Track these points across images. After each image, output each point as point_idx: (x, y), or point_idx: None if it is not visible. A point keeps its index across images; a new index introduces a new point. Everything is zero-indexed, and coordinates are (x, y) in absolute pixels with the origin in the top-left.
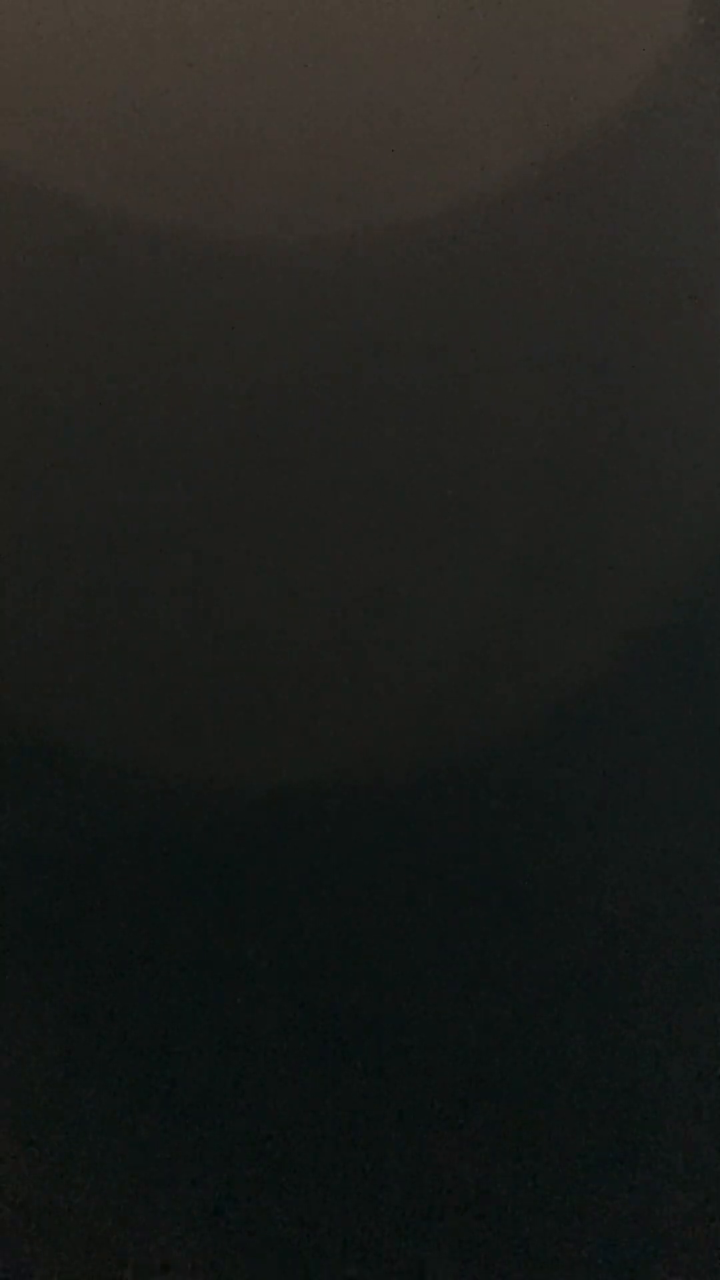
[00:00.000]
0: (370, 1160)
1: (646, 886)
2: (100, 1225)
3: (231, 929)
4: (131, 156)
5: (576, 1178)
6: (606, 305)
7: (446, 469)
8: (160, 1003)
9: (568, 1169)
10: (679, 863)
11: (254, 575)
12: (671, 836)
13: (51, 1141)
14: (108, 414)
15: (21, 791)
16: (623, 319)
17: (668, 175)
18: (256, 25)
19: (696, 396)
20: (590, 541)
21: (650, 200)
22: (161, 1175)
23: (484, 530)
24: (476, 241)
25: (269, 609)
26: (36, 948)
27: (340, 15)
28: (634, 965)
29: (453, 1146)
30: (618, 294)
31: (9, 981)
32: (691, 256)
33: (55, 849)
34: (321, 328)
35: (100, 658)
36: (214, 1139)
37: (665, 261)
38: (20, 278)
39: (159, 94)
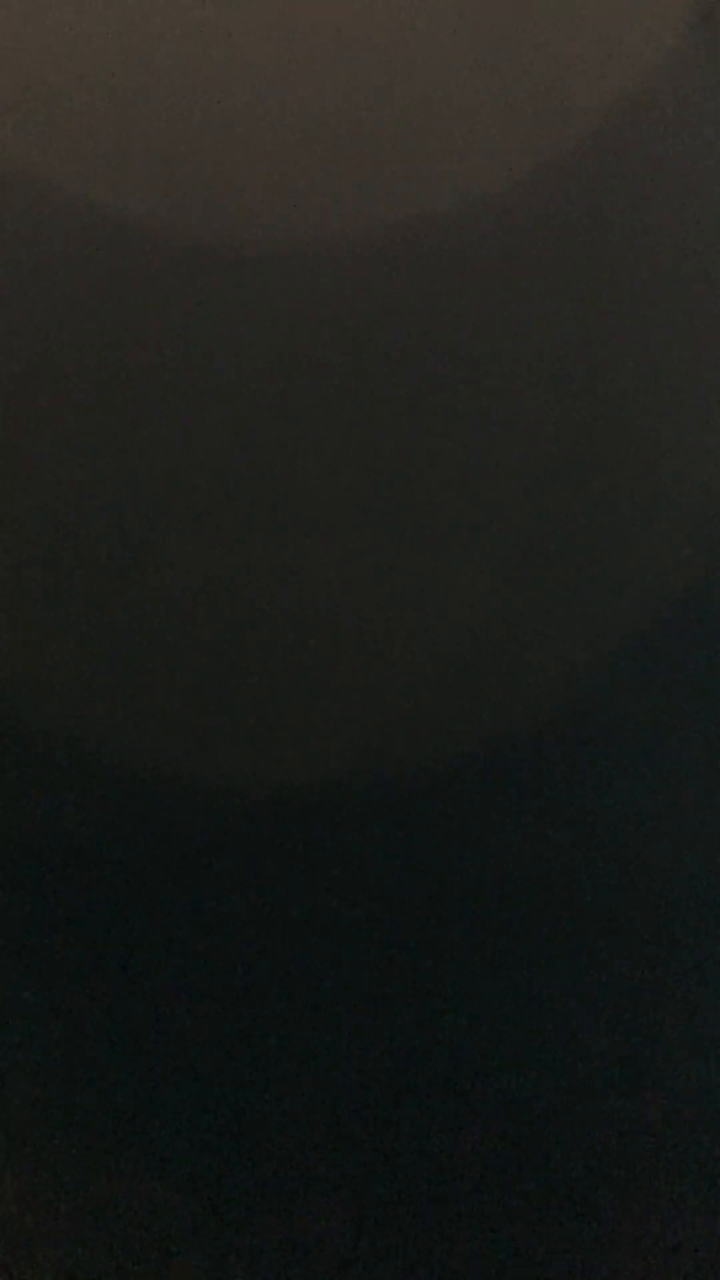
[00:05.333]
0: (371, 1160)
1: (649, 884)
2: (97, 1227)
3: (231, 927)
4: (131, 155)
5: (580, 1178)
6: (608, 305)
7: (447, 468)
8: (159, 1002)
9: (571, 1168)
10: (681, 860)
11: (253, 574)
12: (674, 834)
13: (50, 1141)
14: (107, 414)
15: (20, 791)
16: (624, 318)
17: (670, 175)
18: (255, 24)
19: (699, 396)
20: (591, 540)
21: (652, 200)
22: (159, 1176)
23: (484, 530)
24: (478, 241)
25: (268, 609)
26: (35, 946)
27: (341, 14)
28: (636, 963)
29: (454, 1146)
30: (620, 294)
31: (8, 980)
32: (694, 256)
33: (53, 847)
34: (321, 327)
35: (99, 656)
36: (213, 1138)
37: (668, 261)
38: (19, 277)
39: (159, 93)
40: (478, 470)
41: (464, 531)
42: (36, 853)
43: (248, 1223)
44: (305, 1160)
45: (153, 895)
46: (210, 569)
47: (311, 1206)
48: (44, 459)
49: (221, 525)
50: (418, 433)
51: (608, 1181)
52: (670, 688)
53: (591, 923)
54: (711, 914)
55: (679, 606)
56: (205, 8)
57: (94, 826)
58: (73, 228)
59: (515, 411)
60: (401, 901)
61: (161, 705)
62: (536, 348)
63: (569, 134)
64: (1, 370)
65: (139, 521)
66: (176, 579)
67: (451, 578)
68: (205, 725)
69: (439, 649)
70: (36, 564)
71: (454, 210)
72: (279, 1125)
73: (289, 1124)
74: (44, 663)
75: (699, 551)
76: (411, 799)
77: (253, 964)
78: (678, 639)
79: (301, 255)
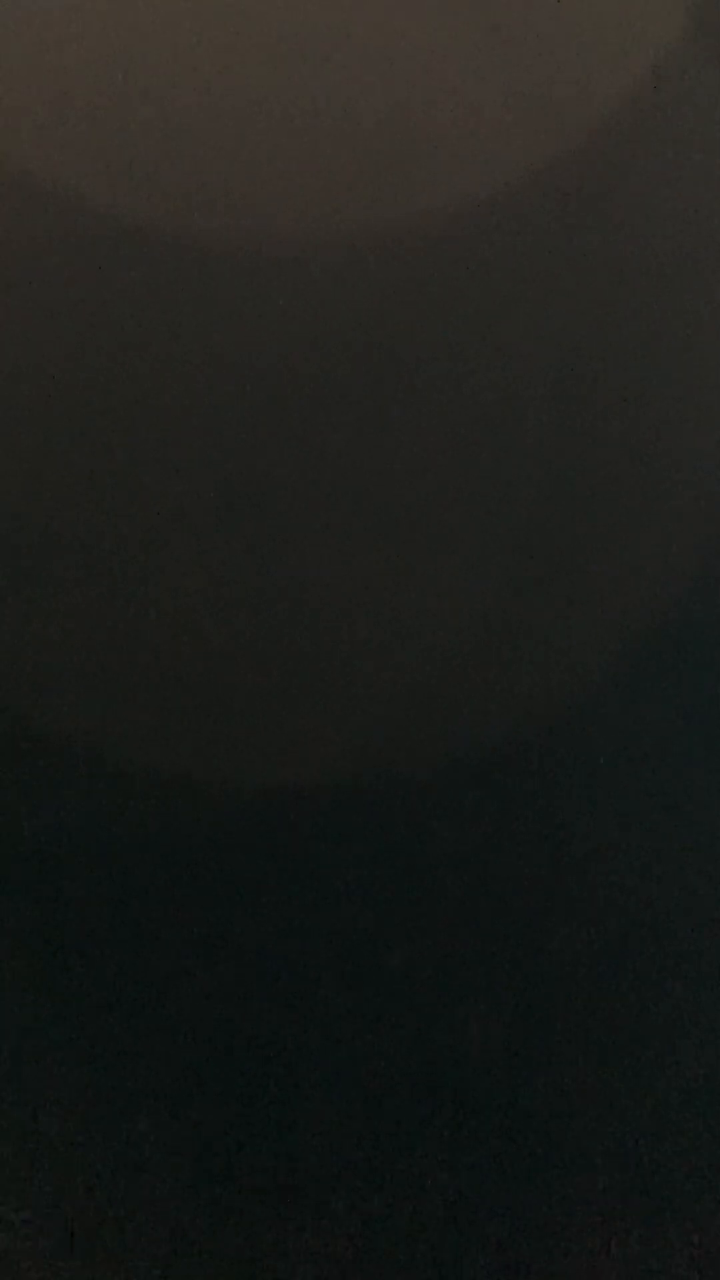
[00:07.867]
0: (371, 1160)
1: (647, 882)
2: (94, 1227)
3: (230, 925)
4: (131, 156)
5: (579, 1176)
6: (608, 305)
7: (447, 468)
8: (158, 1000)
9: (570, 1164)
10: (679, 859)
11: (254, 575)
12: (672, 833)
13: (47, 1134)
14: (107, 413)
15: (20, 790)
16: (625, 317)
17: (669, 174)
18: (257, 26)
19: (698, 396)
20: (592, 543)
21: (652, 199)
22: (156, 1173)
23: (485, 531)
24: (478, 241)
25: (269, 609)
26: (35, 945)
27: (341, 16)
28: (634, 961)
29: (453, 1145)
30: (619, 294)
31: (8, 978)
32: (693, 256)
33: (53, 846)
34: (322, 326)
35: (100, 657)
36: (211, 1138)
37: (667, 261)
38: (19, 277)
39: (159, 94)
40: (479, 471)
41: (464, 534)
42: (37, 852)
43: (247, 1225)
44: (303, 1162)
45: (152, 895)
46: (211, 571)
47: (312, 1210)
48: (44, 459)
49: (222, 527)
50: (418, 433)
51: (606, 1178)
52: (671, 689)
53: (592, 924)
54: (712, 908)
55: (680, 608)
56: (206, 9)
57: (93, 827)
58: (73, 228)
59: (516, 411)
60: (401, 903)
61: (162, 707)
62: (537, 347)
63: (570, 133)
64: (1, 371)
65: (140, 524)
66: (178, 581)
67: (451, 581)
68: (206, 728)
69: (439, 652)
70: (38, 565)
71: (455, 209)
72: (276, 1126)
73: (286, 1124)
74: (45, 664)
75: (700, 553)
76: (412, 802)
77: (252, 964)
78: (679, 641)
79: (301, 255)
